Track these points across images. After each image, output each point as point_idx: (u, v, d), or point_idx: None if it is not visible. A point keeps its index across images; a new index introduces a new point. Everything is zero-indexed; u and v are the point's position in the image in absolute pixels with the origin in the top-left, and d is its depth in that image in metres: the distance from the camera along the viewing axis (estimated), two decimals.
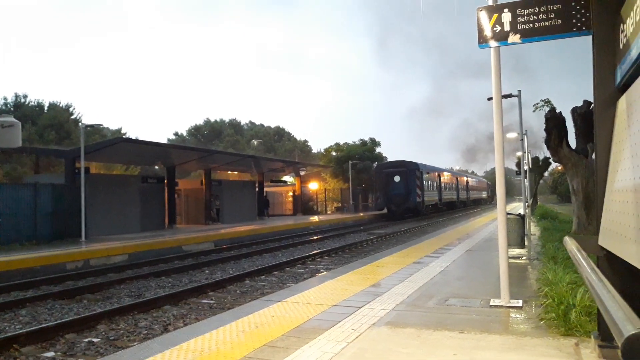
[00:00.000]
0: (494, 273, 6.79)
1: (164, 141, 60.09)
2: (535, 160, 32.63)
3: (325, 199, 44.86)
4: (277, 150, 73.20)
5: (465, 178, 58.40)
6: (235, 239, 19.75)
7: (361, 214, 37.70)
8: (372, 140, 49.54)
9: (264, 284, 10.69)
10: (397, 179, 36.20)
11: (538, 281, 6.53)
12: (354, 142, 49.47)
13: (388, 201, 36.28)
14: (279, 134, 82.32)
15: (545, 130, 13.16)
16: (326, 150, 50.80)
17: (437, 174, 42.64)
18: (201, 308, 8.48)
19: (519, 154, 23.30)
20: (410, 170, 36.33)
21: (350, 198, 41.60)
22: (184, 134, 76.28)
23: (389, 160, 48.98)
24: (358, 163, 43.24)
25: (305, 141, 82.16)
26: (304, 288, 6.68)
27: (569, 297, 4.73)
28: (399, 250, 11.42)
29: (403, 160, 37.81)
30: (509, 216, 9.25)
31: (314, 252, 15.65)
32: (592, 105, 3.96)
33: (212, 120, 79.83)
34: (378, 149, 49.46)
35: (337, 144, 49.62)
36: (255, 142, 69.15)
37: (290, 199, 41.24)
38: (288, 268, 12.82)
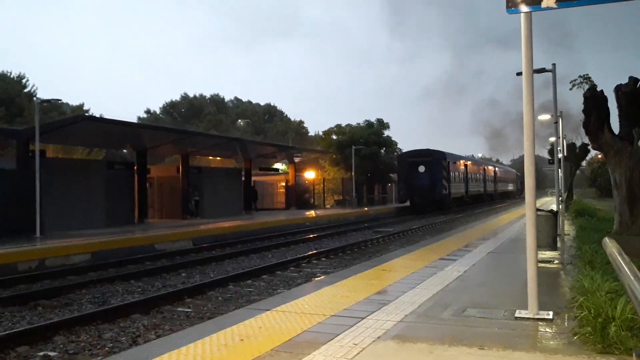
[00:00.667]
0: (520, 279, 6.82)
1: (134, 120, 60.00)
2: (571, 147, 32.69)
3: (324, 191, 44.96)
4: (267, 132, 73.21)
5: (492, 168, 60.94)
6: (218, 236, 19.83)
7: (366, 209, 37.75)
8: (380, 122, 49.47)
9: (251, 290, 10.75)
10: (422, 169, 38.69)
11: (572, 289, 6.56)
12: (358, 124, 49.45)
13: (411, 193, 38.75)
14: (270, 113, 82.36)
15: (584, 111, 13.16)
16: (325, 133, 50.79)
17: (464, 163, 45.33)
18: (177, 317, 8.52)
19: (553, 139, 23.20)
20: (437, 160, 38.85)
21: (353, 190, 41.69)
22: (158, 111, 76.32)
23: (398, 145, 49.38)
24: (363, 148, 43.31)
25: (301, 122, 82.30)
26: (298, 295, 6.71)
27: (608, 308, 4.76)
28: (409, 251, 11.49)
29: (429, 149, 40.21)
30: (539, 212, 9.27)
31: (310, 252, 15.75)
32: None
33: (191, 95, 79.80)
34: (386, 132, 49.53)
35: (338, 126, 49.62)
36: (241, 122, 68.99)
37: (283, 190, 41.30)
38: (279, 271, 12.90)
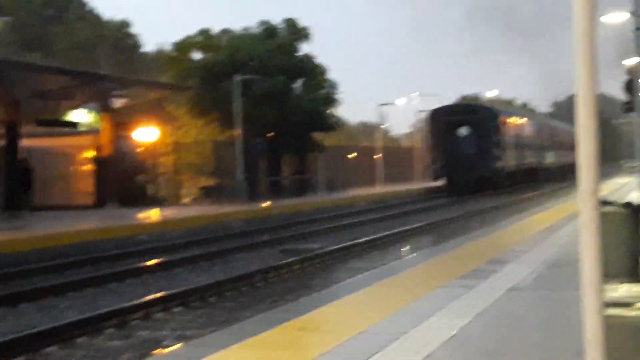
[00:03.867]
0: (570, 343, 7.08)
1: None
2: None
3: (177, 169, 44.44)
4: (52, 44, 71.54)
5: (550, 127, 77.78)
6: None
7: (265, 204, 37.88)
8: (291, 26, 49.51)
9: None
10: (464, 132, 53.98)
11: None
12: (246, 30, 49.34)
13: (450, 167, 53.55)
14: (58, 5, 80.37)
15: None
16: (178, 47, 50.00)
17: (517, 122, 63.34)
18: None
19: (632, 61, 24.20)
20: (485, 119, 54.99)
21: (239, 166, 41.55)
22: None
23: (330, 74, 49.87)
24: (257, 80, 43.70)
25: (125, 25, 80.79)
26: None
27: None
28: (355, 288, 11.62)
29: (473, 104, 59.04)
30: (605, 209, 9.61)
31: (149, 298, 15.78)
32: None
33: None
34: (305, 48, 49.79)
35: (204, 34, 49.03)
36: None
37: (89, 167, 40.54)
38: (83, 338, 12.78)
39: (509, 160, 57.00)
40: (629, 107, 23.36)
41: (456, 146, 53.09)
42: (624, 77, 36.30)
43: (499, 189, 53.03)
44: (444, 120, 54.73)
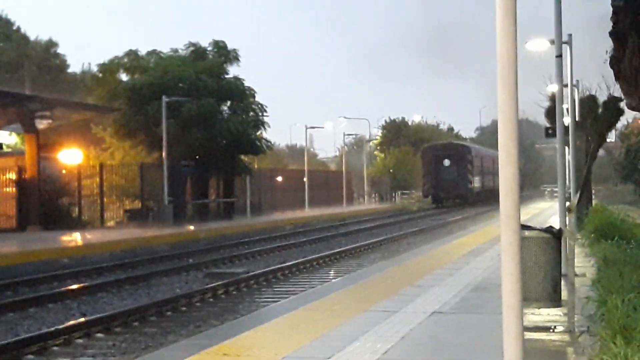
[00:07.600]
0: None
1: None
2: (587, 103, 34.37)
3: (102, 192, 44.08)
4: None
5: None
6: None
7: (191, 228, 37.70)
8: (220, 48, 49.47)
9: None
10: (447, 162, 79.68)
11: None
12: (175, 52, 49.72)
13: (437, 187, 78.97)
14: None
15: (612, 34, 13.91)
16: (104, 69, 49.61)
17: (481, 155, 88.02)
18: None
19: (553, 88, 24.48)
20: (462, 154, 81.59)
21: (164, 189, 41.44)
22: None
23: (258, 97, 50.23)
24: (187, 101, 43.67)
25: (52, 45, 79.92)
26: None
27: None
28: (281, 312, 11.65)
29: (454, 143, 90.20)
30: (527, 233, 9.64)
31: (71, 323, 15.59)
32: None
33: None
34: (233, 70, 49.72)
35: (131, 55, 48.70)
36: None
37: (11, 189, 39.98)
38: None
39: (476, 183, 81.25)
40: (549, 132, 23.62)
41: (441, 173, 78.14)
42: (546, 104, 36.85)
43: (470, 204, 75.72)
44: (433, 154, 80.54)
